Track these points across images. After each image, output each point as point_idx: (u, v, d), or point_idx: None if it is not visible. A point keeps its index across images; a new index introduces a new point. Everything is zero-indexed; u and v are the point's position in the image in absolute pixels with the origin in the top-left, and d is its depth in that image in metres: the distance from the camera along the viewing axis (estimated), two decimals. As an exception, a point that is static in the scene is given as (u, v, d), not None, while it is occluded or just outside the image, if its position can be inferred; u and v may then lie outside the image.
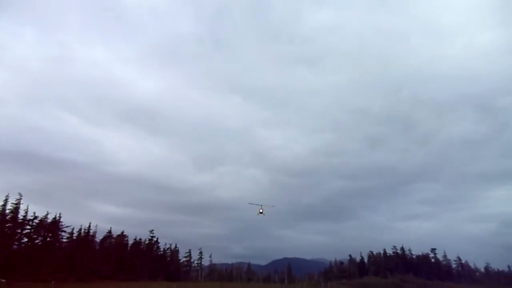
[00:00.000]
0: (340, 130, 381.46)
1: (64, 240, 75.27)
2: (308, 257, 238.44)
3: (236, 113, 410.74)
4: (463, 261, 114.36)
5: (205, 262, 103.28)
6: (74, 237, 76.54)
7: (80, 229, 78.10)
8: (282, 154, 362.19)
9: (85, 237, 77.74)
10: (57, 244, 73.33)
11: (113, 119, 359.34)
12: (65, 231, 74.75)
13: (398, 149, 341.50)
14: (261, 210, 42.29)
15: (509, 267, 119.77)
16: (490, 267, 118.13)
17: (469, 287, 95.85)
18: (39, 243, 69.93)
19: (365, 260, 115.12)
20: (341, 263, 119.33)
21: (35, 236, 69.97)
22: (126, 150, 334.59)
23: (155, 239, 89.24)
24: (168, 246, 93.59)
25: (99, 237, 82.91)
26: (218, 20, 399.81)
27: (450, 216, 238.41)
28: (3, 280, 53.92)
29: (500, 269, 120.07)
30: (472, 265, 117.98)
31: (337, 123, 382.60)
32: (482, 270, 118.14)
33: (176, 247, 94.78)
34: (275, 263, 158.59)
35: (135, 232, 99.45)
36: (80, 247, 73.88)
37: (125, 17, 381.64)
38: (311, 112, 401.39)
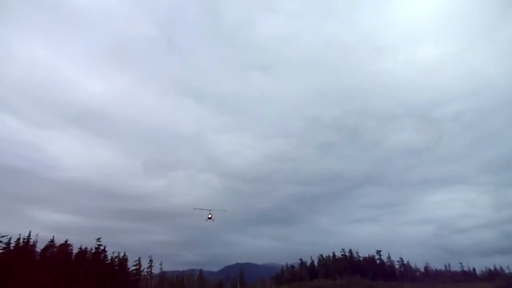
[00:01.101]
0: (292, 137, 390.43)
1: (0, 251, 69.85)
2: (260, 262, 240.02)
3: (188, 118, 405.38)
4: (405, 262, 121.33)
5: (156, 270, 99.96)
6: (12, 247, 71.29)
7: (19, 239, 72.87)
8: (235, 160, 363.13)
9: (24, 247, 72.73)
10: (-9, 256, 68.01)
11: (57, 121, 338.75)
12: (0, 241, 69.43)
13: (346, 155, 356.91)
14: (209, 216, 38.89)
15: (445, 266, 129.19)
16: (429, 267, 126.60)
17: (411, 286, 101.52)
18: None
19: (315, 263, 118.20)
20: (292, 267, 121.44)
21: (-34, 247, 64.41)
22: (72, 154, 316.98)
23: (102, 247, 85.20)
24: (116, 254, 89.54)
25: (40, 247, 77.92)
26: (171, 22, 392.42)
27: (393, 219, 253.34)
28: None
29: (438, 268, 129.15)
30: (413, 265, 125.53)
31: (289, 130, 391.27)
32: (422, 269, 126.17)
33: (124, 255, 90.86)
34: (228, 269, 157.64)
35: (81, 240, 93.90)
36: (18, 257, 68.88)
37: (72, 15, 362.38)
38: (264, 119, 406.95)
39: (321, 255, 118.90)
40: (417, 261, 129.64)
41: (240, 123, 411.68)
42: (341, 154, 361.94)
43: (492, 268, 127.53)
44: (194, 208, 39.93)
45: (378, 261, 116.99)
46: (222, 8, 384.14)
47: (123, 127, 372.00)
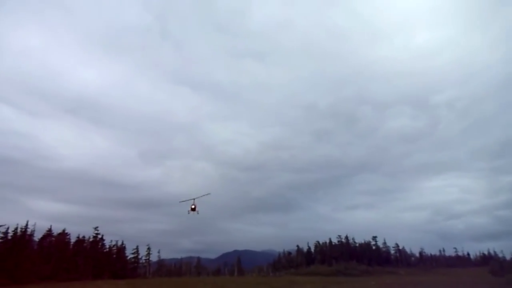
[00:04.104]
0: (288, 125, 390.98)
1: (-2, 240, 69.95)
2: (258, 249, 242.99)
3: (184, 106, 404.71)
4: (400, 247, 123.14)
5: (154, 258, 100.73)
6: (9, 237, 71.37)
7: (16, 228, 72.81)
8: (231, 148, 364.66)
9: (22, 236, 72.64)
10: (-11, 246, 68.00)
11: (52, 111, 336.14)
12: (-2, 231, 69.39)
13: (342, 143, 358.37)
14: (193, 206, 32.69)
15: (440, 251, 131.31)
16: (424, 252, 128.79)
17: (406, 271, 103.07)
18: (-32, 245, 64.49)
19: (312, 249, 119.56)
20: (289, 253, 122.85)
21: (-37, 238, 64.40)
22: (67, 144, 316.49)
23: (100, 236, 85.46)
24: (114, 243, 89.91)
25: (38, 236, 78.10)
26: (166, 11, 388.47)
27: (389, 205, 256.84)
28: None
29: (433, 253, 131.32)
30: (408, 250, 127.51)
31: (285, 118, 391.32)
32: (417, 255, 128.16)
33: (122, 243, 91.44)
34: (226, 256, 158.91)
35: (79, 230, 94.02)
36: (15, 247, 68.92)
37: (63, 3, 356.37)
38: (260, 107, 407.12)
39: (318, 242, 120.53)
40: (412, 246, 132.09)
41: (235, 111, 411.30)
42: (337, 141, 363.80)
43: (486, 252, 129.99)
44: (180, 202, 34.55)
45: (374, 247, 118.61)
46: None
47: (118, 116, 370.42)
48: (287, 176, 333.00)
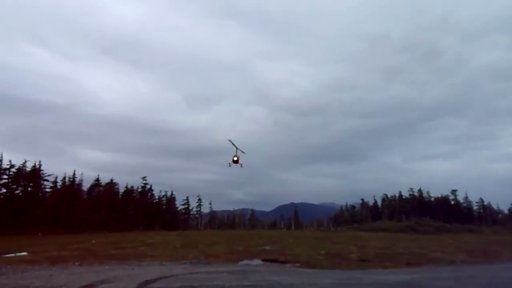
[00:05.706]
0: (352, 61, 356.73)
1: (48, 190, 70.22)
2: (316, 202, 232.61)
3: (231, 43, 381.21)
4: (485, 203, 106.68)
5: (205, 209, 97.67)
6: (59, 187, 71.23)
7: (64, 178, 72.77)
8: (286, 90, 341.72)
9: (71, 186, 72.30)
10: (40, 194, 68.16)
11: (91, 53, 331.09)
12: (47, 180, 69.63)
13: (418, 81, 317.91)
14: (235, 158, 25.95)
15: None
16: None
17: (491, 229, 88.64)
18: (20, 194, 64.48)
19: (379, 204, 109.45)
20: (353, 207, 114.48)
21: (14, 186, 64.41)
22: (109, 88, 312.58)
23: (148, 186, 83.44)
24: (163, 193, 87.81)
25: (86, 186, 77.70)
26: None
27: (474, 155, 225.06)
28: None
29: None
30: (495, 206, 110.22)
31: (349, 53, 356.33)
32: (506, 211, 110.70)
33: (172, 194, 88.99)
34: (281, 209, 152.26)
35: (126, 179, 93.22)
36: (66, 196, 68.46)
37: None
38: (318, 40, 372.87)
39: (386, 195, 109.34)
40: (501, 202, 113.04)
41: (289, 46, 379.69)
42: (412, 80, 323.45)
43: None
44: (228, 140, 26.04)
45: (452, 202, 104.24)
46: None
47: (158, 56, 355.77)
48: (351, 122, 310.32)
